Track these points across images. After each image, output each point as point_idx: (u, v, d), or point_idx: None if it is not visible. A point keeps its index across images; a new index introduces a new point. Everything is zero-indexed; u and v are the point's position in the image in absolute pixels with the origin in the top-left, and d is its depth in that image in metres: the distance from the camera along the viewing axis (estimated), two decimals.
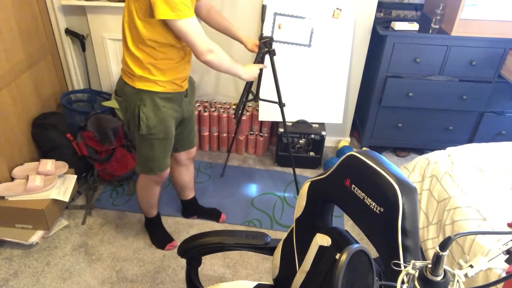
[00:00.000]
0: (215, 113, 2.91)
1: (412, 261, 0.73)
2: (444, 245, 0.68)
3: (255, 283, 1.41)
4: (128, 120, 1.79)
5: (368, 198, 0.96)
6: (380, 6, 2.77)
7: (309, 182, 1.19)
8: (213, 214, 2.44)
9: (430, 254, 1.88)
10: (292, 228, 1.27)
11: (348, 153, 1.05)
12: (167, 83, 1.72)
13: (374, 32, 2.71)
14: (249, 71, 1.90)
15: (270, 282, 1.42)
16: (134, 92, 1.68)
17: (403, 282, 0.72)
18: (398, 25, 2.58)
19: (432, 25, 2.66)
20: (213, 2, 2.66)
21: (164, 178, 2.02)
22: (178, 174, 2.24)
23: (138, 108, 1.69)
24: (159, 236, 2.28)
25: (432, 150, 2.22)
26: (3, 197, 2.18)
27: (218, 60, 1.65)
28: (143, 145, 1.83)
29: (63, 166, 2.42)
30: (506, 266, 1.43)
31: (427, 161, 2.07)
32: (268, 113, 2.87)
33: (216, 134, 3.00)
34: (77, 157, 2.57)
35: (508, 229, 1.62)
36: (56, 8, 2.66)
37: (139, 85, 1.67)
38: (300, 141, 2.86)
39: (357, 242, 1.04)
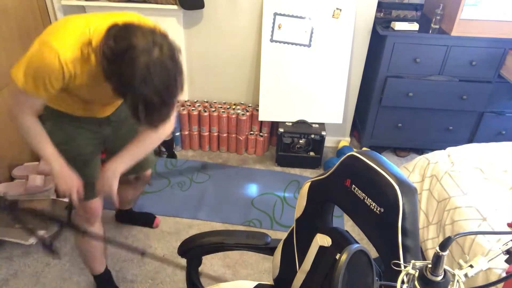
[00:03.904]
0: (215, 113, 2.91)
1: (412, 261, 0.74)
2: (444, 245, 0.68)
3: (255, 283, 1.41)
4: None
5: (368, 199, 0.96)
6: (380, 6, 2.77)
7: (309, 183, 1.19)
8: (146, 219, 2.36)
9: (430, 254, 1.88)
10: (293, 228, 1.27)
11: (348, 153, 1.05)
12: (74, 111, 1.51)
13: (374, 32, 2.71)
14: (62, 175, 1.43)
15: (270, 282, 1.42)
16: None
17: (403, 282, 0.72)
18: (398, 25, 2.58)
19: (432, 25, 2.66)
20: (214, 2, 2.66)
21: (93, 215, 1.66)
22: (123, 190, 1.76)
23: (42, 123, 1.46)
24: None
25: (432, 150, 2.22)
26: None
27: (17, 126, 1.39)
28: None
29: None
30: (506, 266, 1.43)
31: (427, 161, 2.07)
32: (268, 113, 2.88)
33: (216, 134, 3.00)
34: None
35: (508, 229, 1.62)
36: (56, 8, 2.66)
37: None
38: (300, 141, 2.86)
39: (357, 242, 1.04)
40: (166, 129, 1.48)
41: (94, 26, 1.21)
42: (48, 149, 1.41)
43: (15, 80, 1.27)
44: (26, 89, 1.26)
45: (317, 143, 2.86)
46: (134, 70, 1.06)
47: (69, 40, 1.20)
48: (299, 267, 1.23)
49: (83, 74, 1.26)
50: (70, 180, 1.44)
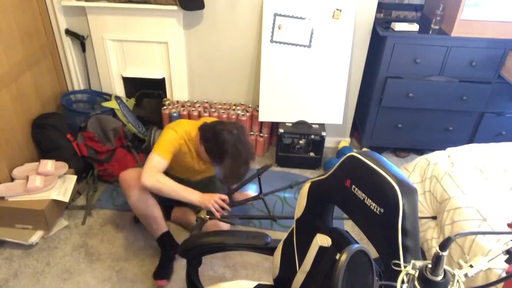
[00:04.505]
0: (215, 114, 2.91)
1: (412, 261, 0.74)
2: (444, 245, 0.68)
3: (255, 283, 1.41)
4: None
5: (368, 199, 0.96)
6: (380, 7, 2.77)
7: (310, 183, 1.19)
8: None
9: (431, 254, 1.88)
10: (293, 229, 1.27)
11: (348, 154, 1.05)
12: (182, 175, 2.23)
13: (374, 32, 2.71)
14: (205, 198, 1.97)
15: (270, 282, 1.42)
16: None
17: (403, 282, 0.72)
18: (398, 26, 2.59)
19: (432, 25, 2.66)
20: (214, 3, 2.67)
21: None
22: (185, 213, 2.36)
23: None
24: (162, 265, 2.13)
25: (432, 150, 2.23)
26: (3, 198, 2.18)
27: (155, 187, 1.92)
28: None
29: (63, 166, 2.42)
30: (506, 266, 1.44)
31: (427, 162, 2.07)
32: (268, 113, 2.88)
33: None
34: (77, 158, 2.57)
35: (508, 229, 1.62)
36: (56, 9, 2.67)
37: None
38: (300, 141, 2.86)
39: (357, 243, 1.04)
40: None
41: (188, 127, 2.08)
42: (182, 188, 1.96)
43: (153, 149, 1.96)
44: (158, 153, 1.93)
45: (317, 144, 2.87)
46: (226, 146, 1.89)
47: (182, 127, 2.06)
48: (299, 267, 1.23)
49: (186, 153, 2.07)
50: (209, 197, 1.96)
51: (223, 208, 1.99)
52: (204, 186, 2.26)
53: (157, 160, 1.92)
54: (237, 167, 1.93)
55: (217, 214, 1.95)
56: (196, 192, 1.98)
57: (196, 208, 2.14)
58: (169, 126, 2.05)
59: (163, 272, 2.06)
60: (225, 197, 1.99)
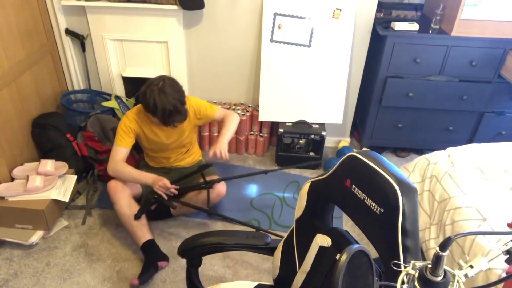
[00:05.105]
0: None
1: (412, 262, 0.74)
2: (444, 246, 0.68)
3: (255, 283, 1.41)
4: None
5: (368, 199, 0.96)
6: (380, 6, 2.77)
7: (310, 183, 1.19)
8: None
9: (431, 254, 1.88)
10: (293, 229, 1.27)
11: (348, 154, 1.05)
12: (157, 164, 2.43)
13: (374, 32, 2.71)
14: (155, 181, 2.13)
15: (270, 282, 1.42)
16: None
17: (403, 283, 0.72)
18: (398, 25, 2.58)
19: (432, 25, 2.66)
20: (214, 2, 2.66)
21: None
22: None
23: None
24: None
25: (432, 150, 2.23)
26: (3, 198, 2.18)
27: (116, 175, 2.15)
28: None
29: (63, 166, 2.42)
30: (506, 266, 1.44)
31: (427, 162, 2.07)
32: (268, 113, 2.88)
33: (216, 134, 3.00)
34: (77, 158, 2.57)
35: (508, 229, 1.62)
36: (56, 8, 2.66)
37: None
38: (300, 141, 2.86)
39: (357, 243, 1.04)
40: (236, 117, 2.33)
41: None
42: (137, 173, 2.17)
43: (114, 141, 2.18)
44: (116, 143, 2.15)
45: (317, 144, 2.86)
46: (153, 97, 1.99)
47: (135, 108, 2.21)
48: (299, 267, 1.22)
49: (143, 130, 2.19)
50: (157, 180, 2.11)
51: (172, 195, 2.18)
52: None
53: (116, 149, 2.14)
54: (167, 104, 1.99)
55: (164, 196, 2.13)
56: (150, 175, 2.16)
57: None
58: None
59: (141, 276, 2.02)
60: (169, 185, 2.11)
